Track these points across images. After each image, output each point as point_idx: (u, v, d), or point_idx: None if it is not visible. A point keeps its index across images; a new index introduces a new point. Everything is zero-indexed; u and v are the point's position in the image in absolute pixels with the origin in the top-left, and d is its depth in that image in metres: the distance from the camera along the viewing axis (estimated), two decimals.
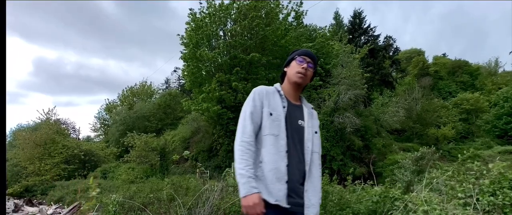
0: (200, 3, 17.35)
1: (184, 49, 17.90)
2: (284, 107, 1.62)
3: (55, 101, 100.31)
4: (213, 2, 17.11)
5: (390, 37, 30.89)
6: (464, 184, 2.89)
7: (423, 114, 22.74)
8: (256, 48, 16.62)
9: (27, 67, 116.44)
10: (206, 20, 17.01)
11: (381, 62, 25.84)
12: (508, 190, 2.57)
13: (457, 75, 36.62)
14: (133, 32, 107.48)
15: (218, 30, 17.52)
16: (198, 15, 17.32)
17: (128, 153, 17.72)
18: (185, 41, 17.80)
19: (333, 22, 32.92)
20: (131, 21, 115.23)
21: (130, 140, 17.45)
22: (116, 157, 21.67)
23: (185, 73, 18.77)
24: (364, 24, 27.34)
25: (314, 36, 22.11)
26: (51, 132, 19.01)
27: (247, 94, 1.67)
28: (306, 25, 23.37)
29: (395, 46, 31.72)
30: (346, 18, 41.51)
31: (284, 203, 1.47)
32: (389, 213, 3.32)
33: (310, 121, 1.69)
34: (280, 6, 18.10)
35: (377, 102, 21.30)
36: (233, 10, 17.04)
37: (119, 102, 34.12)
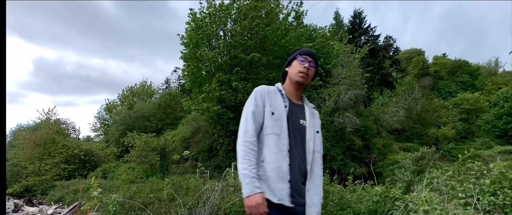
0: (200, 3, 17.40)
1: (184, 49, 17.91)
2: (285, 106, 1.62)
3: (55, 101, 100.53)
4: (213, 2, 17.14)
5: (390, 37, 31.00)
6: (464, 184, 2.89)
7: (423, 113, 22.74)
8: (256, 48, 16.63)
9: (27, 67, 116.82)
10: (206, 20, 17.02)
11: (381, 62, 25.85)
12: (508, 190, 2.56)
13: (457, 75, 36.63)
14: (133, 32, 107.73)
15: (218, 30, 17.53)
16: (198, 15, 17.33)
17: (128, 153, 17.71)
18: (185, 41, 17.82)
19: (333, 22, 32.96)
20: (131, 21, 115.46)
21: (130, 140, 17.44)
22: (116, 157, 21.63)
23: (185, 73, 18.77)
24: (364, 24, 27.37)
25: (314, 36, 22.11)
26: (51, 132, 18.96)
27: (247, 94, 1.67)
28: (306, 25, 23.39)
29: (395, 46, 31.80)
30: (346, 18, 41.61)
31: (287, 202, 1.46)
32: (389, 213, 3.32)
33: (312, 121, 1.69)
34: (280, 6, 18.12)
35: (377, 102, 21.32)
36: (233, 10, 17.06)
37: (119, 102, 34.12)
